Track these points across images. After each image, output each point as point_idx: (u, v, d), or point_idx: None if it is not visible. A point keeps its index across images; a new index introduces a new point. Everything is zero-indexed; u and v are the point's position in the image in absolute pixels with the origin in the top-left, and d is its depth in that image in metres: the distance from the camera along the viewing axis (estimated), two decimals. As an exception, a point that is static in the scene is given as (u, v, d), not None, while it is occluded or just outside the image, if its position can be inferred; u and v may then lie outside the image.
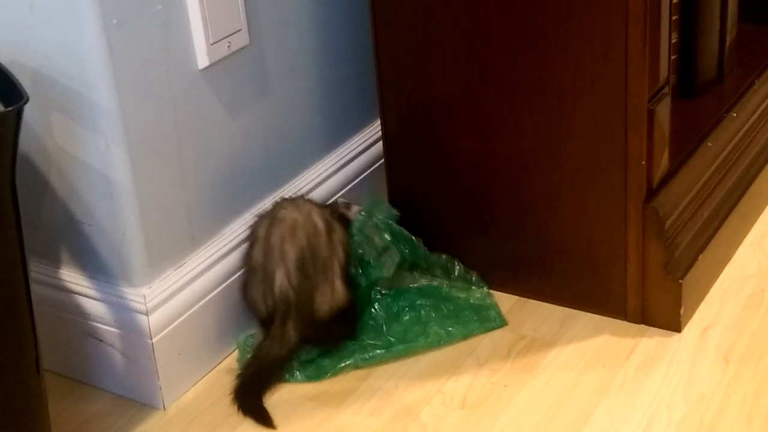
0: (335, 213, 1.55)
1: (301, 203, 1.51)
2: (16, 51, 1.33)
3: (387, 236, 1.56)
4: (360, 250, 1.54)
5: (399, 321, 1.54)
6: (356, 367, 1.50)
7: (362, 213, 1.57)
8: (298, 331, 1.45)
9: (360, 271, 1.55)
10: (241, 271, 1.53)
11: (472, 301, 1.58)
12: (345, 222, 1.55)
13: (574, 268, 1.57)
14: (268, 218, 1.49)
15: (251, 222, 1.52)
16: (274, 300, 1.45)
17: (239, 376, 1.46)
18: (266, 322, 1.48)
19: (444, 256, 1.63)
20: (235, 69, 1.50)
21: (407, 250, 1.58)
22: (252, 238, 1.49)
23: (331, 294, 1.47)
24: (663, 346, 1.50)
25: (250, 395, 1.44)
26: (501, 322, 1.56)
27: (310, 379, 1.49)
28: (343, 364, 1.49)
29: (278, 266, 1.45)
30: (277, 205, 1.51)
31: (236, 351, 1.55)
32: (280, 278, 1.45)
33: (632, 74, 1.41)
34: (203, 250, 1.51)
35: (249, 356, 1.49)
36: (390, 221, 1.58)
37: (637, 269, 1.51)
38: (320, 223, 1.47)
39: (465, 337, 1.54)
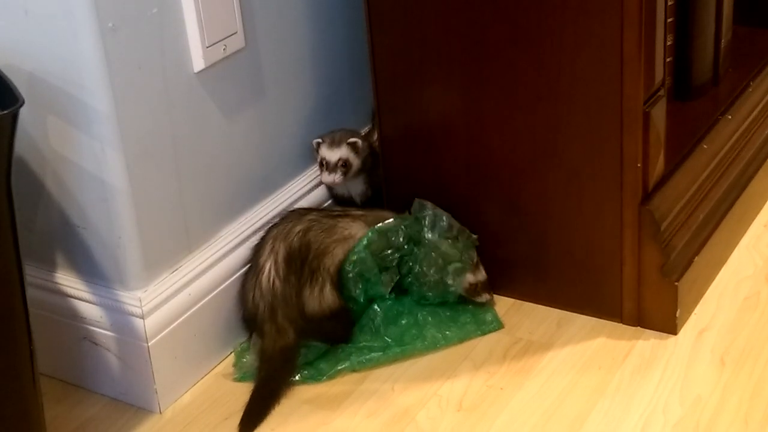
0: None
1: (312, 215, 1.55)
2: (11, 54, 1.33)
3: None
4: (358, 268, 1.53)
5: (396, 324, 1.54)
6: (353, 369, 1.50)
7: (376, 228, 1.55)
8: (290, 321, 1.47)
9: (360, 286, 1.54)
10: (238, 273, 1.53)
11: (469, 304, 1.58)
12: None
13: (570, 270, 1.57)
14: (278, 224, 1.54)
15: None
16: (261, 291, 1.47)
17: (256, 380, 1.47)
18: (251, 320, 1.50)
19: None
20: (230, 72, 1.50)
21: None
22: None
23: (320, 294, 1.50)
24: (659, 348, 1.50)
25: (266, 399, 1.45)
26: (498, 325, 1.56)
27: (306, 380, 1.48)
28: (340, 367, 1.49)
29: (268, 259, 1.49)
30: (296, 214, 1.56)
31: (232, 355, 1.55)
32: (267, 270, 1.48)
33: (627, 77, 1.41)
34: (199, 253, 1.51)
35: (256, 364, 1.48)
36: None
37: (632, 272, 1.52)
38: (316, 243, 1.51)
39: (461, 340, 1.54)
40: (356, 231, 1.54)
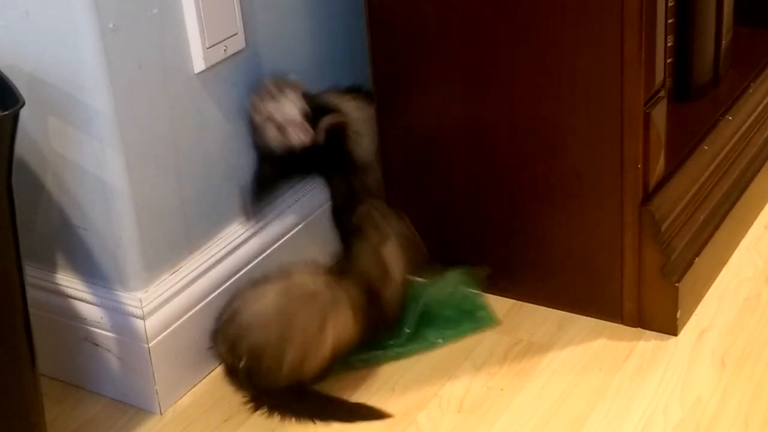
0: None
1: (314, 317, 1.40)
2: (12, 55, 1.33)
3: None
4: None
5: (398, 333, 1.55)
6: (353, 368, 1.49)
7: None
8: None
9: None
10: (238, 274, 1.53)
11: (464, 305, 1.58)
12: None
13: (570, 271, 1.57)
14: (287, 282, 1.44)
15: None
16: (226, 338, 1.43)
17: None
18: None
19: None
20: (231, 73, 1.50)
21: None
22: (274, 277, 1.46)
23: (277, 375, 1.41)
24: (659, 349, 1.50)
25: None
26: (491, 321, 1.56)
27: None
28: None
29: (247, 333, 1.41)
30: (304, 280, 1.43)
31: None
32: (248, 337, 1.41)
33: (628, 78, 1.41)
34: (199, 254, 1.50)
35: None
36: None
37: (633, 272, 1.52)
38: (291, 355, 1.39)
39: (457, 339, 1.54)
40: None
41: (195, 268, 1.49)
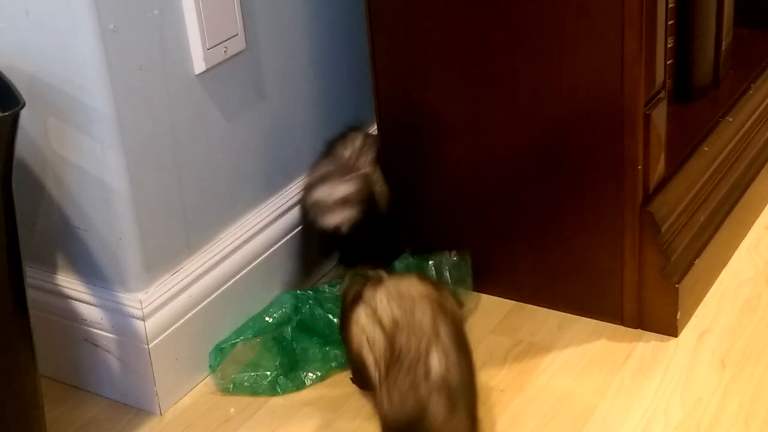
0: None
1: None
2: (12, 56, 1.33)
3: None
4: None
5: None
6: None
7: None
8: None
9: None
10: (239, 275, 1.53)
11: None
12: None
13: (570, 272, 1.57)
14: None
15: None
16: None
17: None
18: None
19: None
20: (231, 74, 1.50)
21: None
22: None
23: None
24: (660, 350, 1.50)
25: None
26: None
27: (299, 388, 1.48)
28: (320, 372, 1.49)
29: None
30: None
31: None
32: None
33: (628, 79, 1.41)
34: (199, 255, 1.51)
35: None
36: None
37: (633, 274, 1.52)
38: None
39: None
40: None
41: (195, 269, 1.49)
